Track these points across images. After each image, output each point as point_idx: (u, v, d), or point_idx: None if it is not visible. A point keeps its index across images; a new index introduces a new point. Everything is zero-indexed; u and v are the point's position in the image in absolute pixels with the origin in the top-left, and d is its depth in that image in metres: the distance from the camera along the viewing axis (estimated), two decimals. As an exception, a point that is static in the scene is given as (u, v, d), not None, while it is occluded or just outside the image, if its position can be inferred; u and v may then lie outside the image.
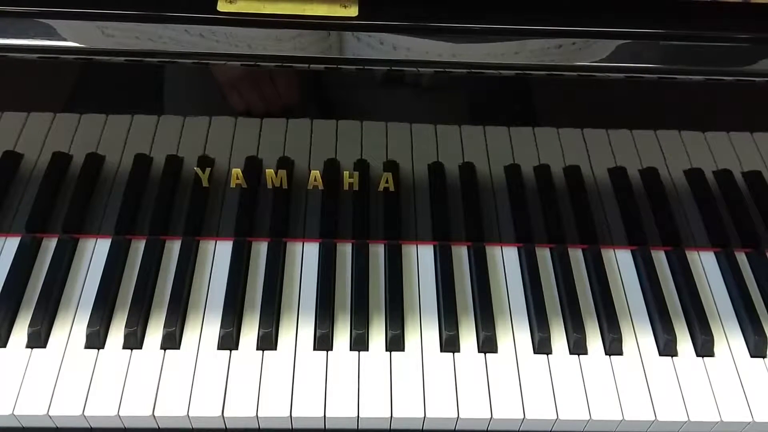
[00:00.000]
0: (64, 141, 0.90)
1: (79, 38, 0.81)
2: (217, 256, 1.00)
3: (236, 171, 0.93)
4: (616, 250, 1.04)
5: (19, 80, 0.85)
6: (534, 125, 0.90)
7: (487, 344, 0.92)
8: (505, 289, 0.99)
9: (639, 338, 0.95)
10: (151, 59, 0.82)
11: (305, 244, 1.02)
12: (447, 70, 0.83)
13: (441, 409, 0.86)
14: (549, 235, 1.02)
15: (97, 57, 0.81)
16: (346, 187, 0.95)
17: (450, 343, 0.92)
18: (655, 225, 1.01)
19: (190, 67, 0.83)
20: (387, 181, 0.95)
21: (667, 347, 0.93)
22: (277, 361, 0.90)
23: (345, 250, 1.02)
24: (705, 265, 1.04)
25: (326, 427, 0.87)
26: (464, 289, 0.98)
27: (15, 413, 0.84)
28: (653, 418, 0.87)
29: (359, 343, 0.91)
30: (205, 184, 0.95)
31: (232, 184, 0.95)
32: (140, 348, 0.91)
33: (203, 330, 0.93)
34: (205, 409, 0.85)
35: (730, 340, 0.95)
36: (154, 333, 0.92)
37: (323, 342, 0.91)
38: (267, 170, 0.93)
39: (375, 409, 0.86)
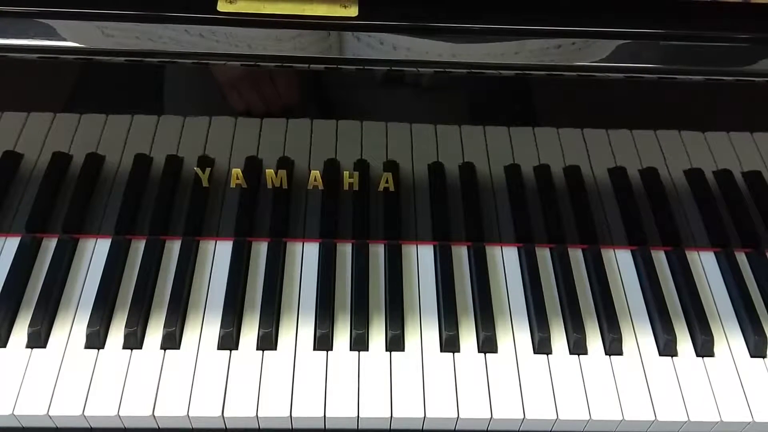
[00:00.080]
0: (64, 141, 0.90)
1: (79, 38, 0.81)
2: (217, 256, 1.00)
3: (236, 171, 0.93)
4: (616, 250, 1.04)
5: (19, 80, 0.85)
6: (534, 125, 0.90)
7: (487, 344, 0.92)
8: (505, 289, 0.99)
9: (639, 338, 0.95)
10: (151, 59, 0.82)
11: (305, 244, 1.02)
12: (447, 70, 0.83)
13: (441, 409, 0.86)
14: (549, 235, 1.02)
15: (97, 57, 0.81)
16: (346, 187, 0.95)
17: (450, 343, 0.92)
18: (655, 225, 1.01)
19: (190, 67, 0.83)
20: (387, 181, 0.95)
21: (667, 347, 0.93)
22: (277, 361, 0.90)
23: (345, 250, 1.02)
24: (705, 265, 1.04)
25: (326, 427, 0.87)
26: (464, 289, 0.98)
27: (15, 413, 0.84)
28: (653, 418, 0.87)
29: (359, 343, 0.91)
30: (205, 184, 0.95)
31: (232, 184, 0.95)
32: (140, 348, 0.91)
33: (203, 330, 0.93)
34: (205, 409, 0.85)
35: (730, 340, 0.95)
36: (154, 333, 0.92)
37: (323, 342, 0.91)
38: (267, 170, 0.93)
39: (375, 409, 0.86)
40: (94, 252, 1.00)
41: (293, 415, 0.85)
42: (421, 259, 1.01)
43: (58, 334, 0.91)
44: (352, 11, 0.82)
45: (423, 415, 0.86)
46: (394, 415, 0.86)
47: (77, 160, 0.92)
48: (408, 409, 0.86)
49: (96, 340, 0.90)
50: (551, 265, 1.02)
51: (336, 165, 0.93)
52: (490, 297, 0.97)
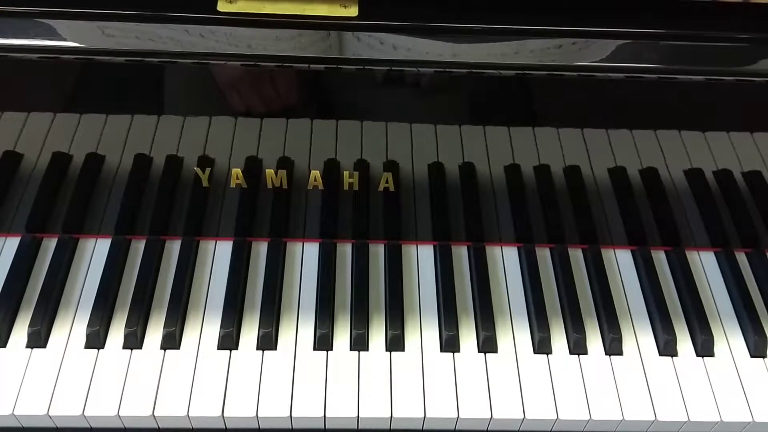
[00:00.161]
0: (64, 141, 0.90)
1: (79, 38, 0.81)
2: (217, 256, 1.00)
3: (236, 171, 0.93)
4: (616, 250, 1.04)
5: (19, 80, 0.85)
6: (534, 125, 0.90)
7: (487, 344, 0.92)
8: (505, 289, 0.99)
9: (639, 338, 0.95)
10: (151, 59, 0.82)
11: (305, 244, 1.02)
12: (447, 70, 0.83)
13: (441, 409, 0.86)
14: (549, 235, 1.02)
15: (97, 57, 0.82)
16: (346, 187, 0.95)
17: (450, 343, 0.92)
18: (655, 225, 1.01)
19: (190, 67, 0.83)
20: (387, 181, 0.95)
21: (667, 347, 0.93)
22: (277, 361, 0.90)
23: (345, 250, 1.02)
24: (705, 265, 1.04)
25: (326, 427, 0.87)
26: (464, 289, 0.98)
27: (15, 413, 0.84)
28: (653, 418, 0.87)
29: (359, 343, 0.91)
30: (205, 184, 0.95)
31: (232, 184, 0.95)
32: (140, 348, 0.91)
33: (203, 330, 0.93)
34: (205, 409, 0.85)
35: (730, 340, 0.95)
36: (154, 333, 0.92)
37: (323, 342, 0.91)
38: (267, 170, 0.93)
39: (375, 409, 0.86)
40: (94, 252, 1.00)
41: (293, 415, 0.85)
42: (421, 259, 1.01)
43: (58, 334, 0.91)
44: (352, 11, 0.82)
45: (423, 415, 0.86)
46: (394, 415, 0.86)
47: (77, 160, 0.92)
48: (408, 409, 0.86)
49: (96, 340, 0.90)
50: (551, 265, 1.02)
51: (336, 165, 0.93)
52: (490, 297, 0.97)
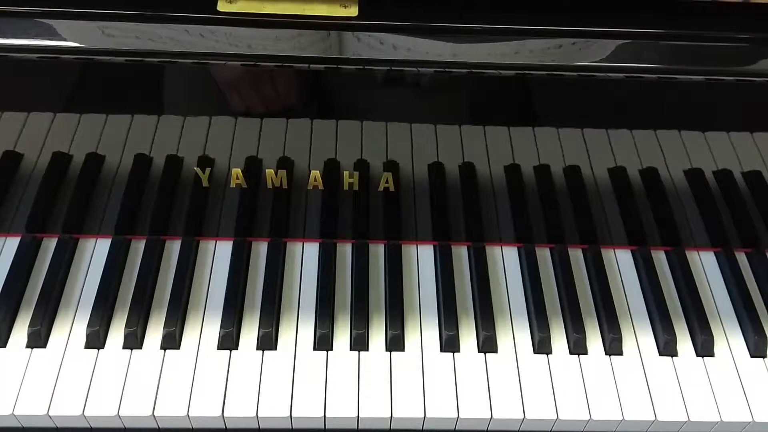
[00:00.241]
0: (64, 141, 0.90)
1: (79, 38, 0.81)
2: (217, 256, 1.00)
3: (236, 171, 0.93)
4: (616, 250, 1.04)
5: (19, 80, 0.85)
6: (534, 125, 0.90)
7: (487, 344, 0.92)
8: (505, 289, 0.99)
9: (639, 338, 0.95)
10: (151, 59, 0.82)
11: (305, 244, 1.02)
12: (447, 70, 0.83)
13: (441, 409, 0.86)
14: (549, 235, 1.02)
15: (97, 57, 0.81)
16: (346, 187, 0.95)
17: (450, 343, 0.92)
18: (655, 225, 1.01)
19: (190, 67, 0.83)
20: (387, 181, 0.95)
21: (667, 347, 0.93)
22: (277, 361, 0.90)
23: (345, 250, 1.02)
24: (705, 265, 1.04)
25: (326, 427, 0.87)
26: (464, 289, 0.98)
27: (15, 413, 0.84)
28: (653, 418, 0.87)
29: (359, 343, 0.91)
30: (205, 184, 0.95)
31: (232, 184, 0.95)
32: (140, 348, 0.91)
33: (203, 330, 0.93)
34: (205, 409, 0.85)
35: (730, 340, 0.95)
36: (154, 333, 0.92)
37: (323, 342, 0.91)
38: (267, 170, 0.93)
39: (375, 409, 0.86)
40: (94, 252, 1.00)
41: (293, 415, 0.85)
42: (421, 259, 1.01)
43: (58, 334, 0.91)
44: (352, 11, 0.82)
45: (423, 415, 0.86)
46: (394, 415, 0.86)
47: (77, 160, 0.92)
48: (408, 409, 0.86)
49: (96, 340, 0.90)
50: (551, 265, 1.02)
51: (336, 165, 0.93)
52: (490, 297, 0.97)
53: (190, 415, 0.85)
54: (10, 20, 0.81)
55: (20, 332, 0.91)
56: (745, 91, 0.86)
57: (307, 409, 0.86)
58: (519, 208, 0.99)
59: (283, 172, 0.93)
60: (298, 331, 0.93)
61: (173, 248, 1.01)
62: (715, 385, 0.91)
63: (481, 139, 0.91)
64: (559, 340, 0.94)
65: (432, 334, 0.93)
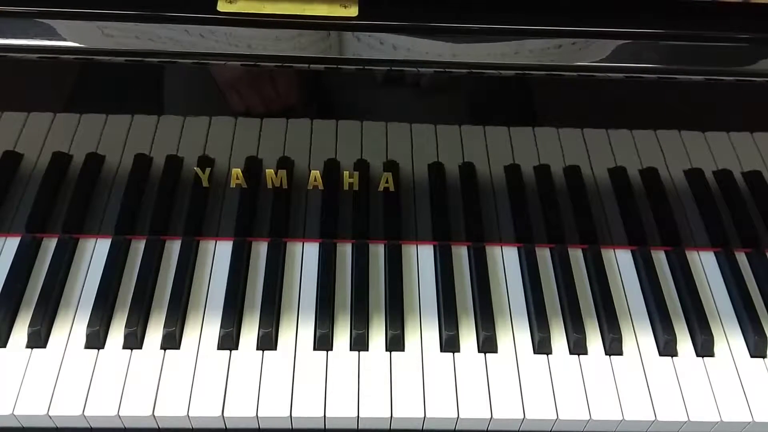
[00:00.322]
0: (64, 141, 0.90)
1: (79, 38, 0.81)
2: (217, 256, 1.00)
3: (236, 171, 0.93)
4: (616, 250, 1.04)
5: (19, 80, 0.85)
6: (534, 125, 0.90)
7: (487, 344, 0.92)
8: (505, 289, 0.99)
9: (639, 338, 0.95)
10: (151, 59, 0.82)
11: (305, 244, 1.02)
12: (447, 70, 0.83)
13: (441, 409, 0.86)
14: (549, 235, 1.02)
15: (97, 57, 0.81)
16: (346, 187, 0.95)
17: (450, 343, 0.92)
18: (655, 225, 1.01)
19: (190, 67, 0.83)
20: (387, 181, 0.95)
21: (667, 347, 0.93)
22: (277, 361, 0.90)
23: (345, 250, 1.02)
24: (705, 265, 1.04)
25: (326, 427, 0.87)
26: (464, 289, 0.98)
27: (15, 413, 0.84)
28: (653, 418, 0.87)
29: (359, 343, 0.91)
30: (205, 184, 0.95)
31: (232, 184, 0.95)
32: (140, 348, 0.91)
33: (203, 330, 0.93)
34: (205, 409, 0.85)
35: (730, 340, 0.95)
36: (154, 333, 0.92)
37: (323, 342, 0.91)
38: (267, 170, 0.93)
39: (375, 409, 0.86)
40: (94, 252, 1.00)
41: (293, 415, 0.85)
42: (421, 259, 1.01)
43: (58, 334, 0.91)
44: (352, 11, 0.82)
45: (423, 415, 0.86)
46: (394, 415, 0.86)
47: (77, 160, 0.92)
48: (408, 409, 0.86)
49: (96, 340, 0.90)
50: (551, 265, 1.02)
51: (336, 165, 0.93)
52: (490, 297, 0.97)
53: (190, 415, 0.85)
54: (10, 20, 0.81)
55: (20, 332, 0.91)
56: (745, 91, 0.86)
57: (307, 409, 0.86)
58: (519, 208, 0.99)
59: (283, 172, 0.93)
60: (298, 331, 0.93)
61: (173, 248, 1.01)
62: (715, 385, 0.91)
63: (481, 139, 0.91)
64: (559, 340, 0.94)
65: (432, 334, 0.93)
